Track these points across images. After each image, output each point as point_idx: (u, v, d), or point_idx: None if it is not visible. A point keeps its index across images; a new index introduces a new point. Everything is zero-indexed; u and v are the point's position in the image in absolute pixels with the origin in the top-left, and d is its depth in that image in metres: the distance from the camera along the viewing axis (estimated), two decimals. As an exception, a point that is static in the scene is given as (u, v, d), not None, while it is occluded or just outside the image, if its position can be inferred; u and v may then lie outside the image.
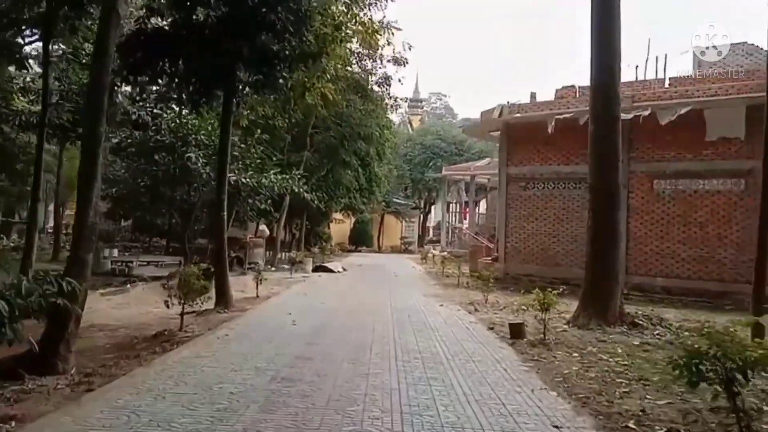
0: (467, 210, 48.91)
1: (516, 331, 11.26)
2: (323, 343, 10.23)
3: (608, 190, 13.35)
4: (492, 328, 12.42)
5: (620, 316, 13.12)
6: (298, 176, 22.39)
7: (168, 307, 11.67)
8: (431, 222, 66.43)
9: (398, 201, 54.94)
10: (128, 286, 18.52)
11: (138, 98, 22.58)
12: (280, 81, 12.94)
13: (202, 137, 20.58)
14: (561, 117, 21.42)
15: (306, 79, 13.85)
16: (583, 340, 11.49)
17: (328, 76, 16.99)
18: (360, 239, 52.44)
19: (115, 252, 26.51)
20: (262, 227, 26.92)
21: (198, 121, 20.73)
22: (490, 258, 25.89)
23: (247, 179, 20.02)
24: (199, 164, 19.99)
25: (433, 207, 63.46)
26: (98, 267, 23.33)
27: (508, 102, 23.93)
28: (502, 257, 24.11)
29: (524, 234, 23.54)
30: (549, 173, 23.03)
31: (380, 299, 17.60)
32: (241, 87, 14.64)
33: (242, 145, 21.60)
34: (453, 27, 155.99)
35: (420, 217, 61.12)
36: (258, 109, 15.79)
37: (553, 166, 22.95)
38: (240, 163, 20.98)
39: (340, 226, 49.51)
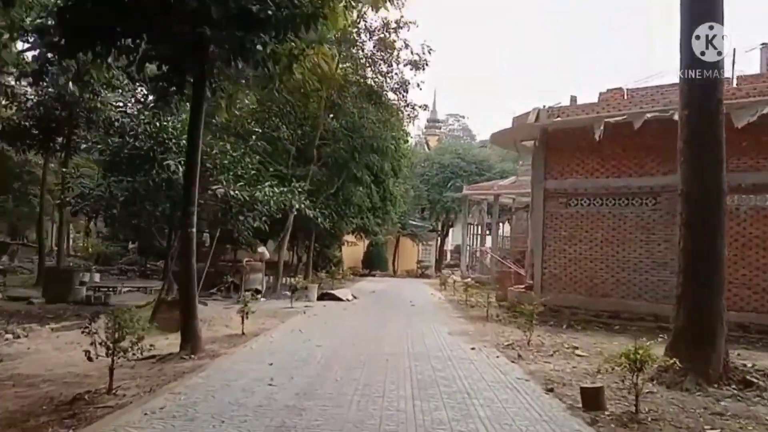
0: (488, 232, 45.43)
1: (593, 400, 7.71)
2: (306, 420, 6.76)
3: (709, 198, 9.83)
4: (552, 389, 8.87)
5: (725, 370, 9.53)
6: (299, 190, 19.02)
7: (90, 360, 8.25)
8: (449, 245, 62.98)
9: (414, 223, 51.50)
10: (87, 320, 15.12)
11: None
12: (258, 48, 9.60)
13: (185, 143, 17.31)
14: (612, 120, 18.03)
15: (294, 45, 10.45)
16: (686, 409, 7.94)
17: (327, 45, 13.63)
18: (374, 263, 48.96)
19: (97, 277, 23.30)
20: (261, 249, 23.65)
21: (182, 125, 17.51)
22: (522, 286, 22.31)
23: (237, 192, 16.68)
24: (180, 174, 16.69)
25: (451, 229, 60.02)
26: (70, 294, 20.14)
27: (544, 105, 20.54)
28: (537, 285, 20.54)
29: (565, 258, 20.03)
30: (595, 187, 19.59)
31: (394, 339, 14.10)
32: (216, 67, 11.38)
33: (233, 154, 18.31)
34: (469, 47, 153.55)
35: (437, 240, 57.61)
36: (242, 97, 12.38)
37: (601, 179, 19.51)
38: (230, 173, 17.68)
39: (352, 249, 46.07)
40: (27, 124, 22.05)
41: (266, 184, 17.84)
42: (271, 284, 25.33)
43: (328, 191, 28.96)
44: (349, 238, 42.22)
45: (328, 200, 29.39)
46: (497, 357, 12.01)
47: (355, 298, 25.05)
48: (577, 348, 13.72)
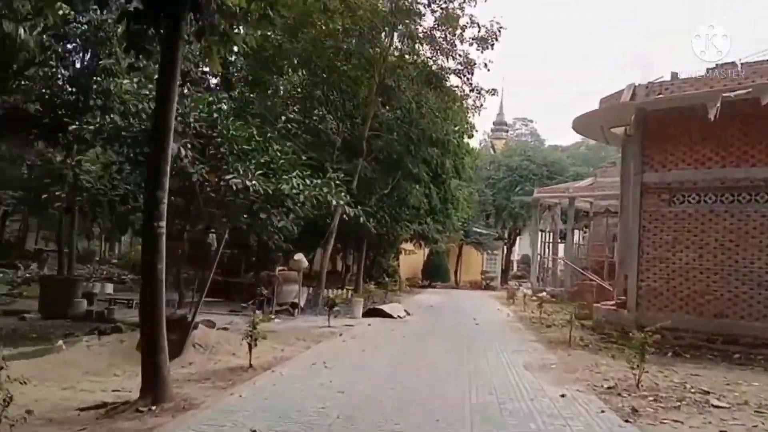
0: (560, 240, 41.08)
1: None
2: None
3: None
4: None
5: None
6: (337, 182, 15.48)
7: None
8: (516, 255, 58.50)
9: (479, 230, 47.31)
10: (60, 342, 11.94)
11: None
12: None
13: (195, 121, 14.06)
14: (732, 95, 14.09)
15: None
16: None
17: None
18: (434, 274, 44.98)
19: (110, 288, 20.37)
20: (299, 256, 20.28)
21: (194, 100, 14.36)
22: (611, 303, 18.19)
23: (255, 182, 13.29)
24: (187, 161, 13.43)
25: (518, 238, 55.61)
26: (71, 308, 17.19)
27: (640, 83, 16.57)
28: (632, 302, 16.51)
29: (668, 269, 16.05)
30: (707, 180, 15.64)
31: (451, 378, 10.36)
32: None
33: (258, 138, 14.99)
34: (538, 47, 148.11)
35: (504, 248, 53.23)
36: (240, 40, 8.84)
37: (715, 169, 15.53)
38: (251, 161, 14.36)
39: (411, 258, 42.24)
40: (35, 108, 19.07)
41: (293, 174, 14.38)
42: (311, 296, 21.89)
43: (380, 191, 25.41)
44: (407, 246, 38.58)
45: (381, 202, 25.86)
46: (602, 412, 8.16)
47: (408, 314, 21.35)
48: (707, 393, 9.84)
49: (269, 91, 23.68)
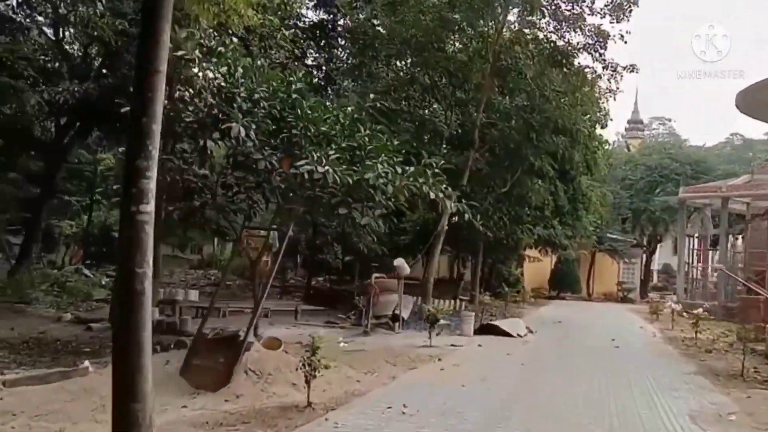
0: (710, 248, 35.89)
1: None
2: None
3: None
4: None
5: None
6: (435, 170, 12.47)
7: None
8: (655, 264, 52.71)
9: (614, 236, 42.50)
10: (87, 363, 9.71)
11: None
12: None
13: (265, 99, 11.58)
14: None
15: None
16: None
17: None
18: (563, 284, 40.62)
19: (194, 294, 18.48)
20: (398, 262, 17.45)
21: (259, 72, 11.92)
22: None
23: (331, 169, 10.60)
24: (252, 145, 10.97)
25: (659, 245, 50.01)
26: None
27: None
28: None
29: None
30: None
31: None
32: None
33: (342, 121, 12.36)
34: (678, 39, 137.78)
35: (642, 257, 47.82)
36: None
37: None
38: (330, 147, 11.75)
39: (536, 266, 38.26)
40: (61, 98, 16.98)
41: (379, 159, 11.59)
42: (418, 309, 18.99)
43: (497, 189, 22.14)
44: (532, 252, 34.81)
45: (499, 201, 22.60)
46: None
47: (529, 331, 17.96)
48: None
49: (370, 82, 21.14)
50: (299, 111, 11.90)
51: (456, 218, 16.86)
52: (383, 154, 11.97)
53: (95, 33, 14.65)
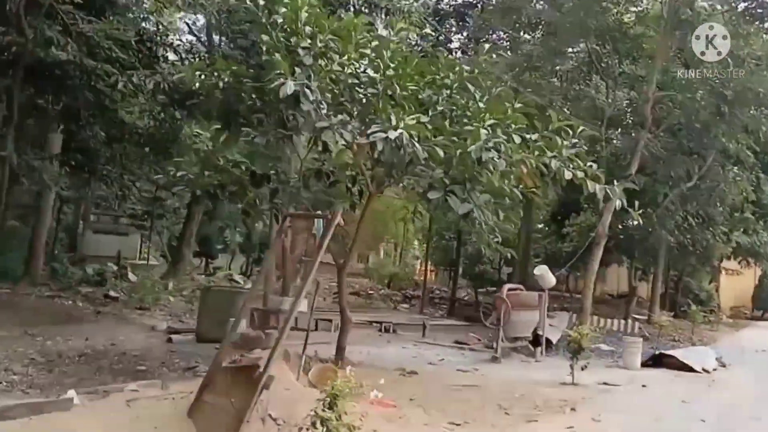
0: None
1: None
2: None
3: None
4: None
5: None
6: (569, 141, 8.86)
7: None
8: None
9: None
10: (72, 393, 7.28)
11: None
12: None
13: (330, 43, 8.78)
14: None
15: None
16: None
17: None
18: (769, 302, 33.88)
19: (304, 305, 16.06)
20: (540, 270, 13.72)
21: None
22: None
23: (407, 134, 7.60)
24: (313, 107, 8.21)
25: None
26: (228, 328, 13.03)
27: None
28: None
29: None
30: None
31: None
32: None
33: (451, 83, 9.38)
34: None
35: None
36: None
37: None
38: (419, 108, 8.86)
39: (735, 280, 32.00)
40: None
41: (487, 122, 8.42)
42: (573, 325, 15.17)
43: (680, 183, 17.61)
44: (730, 264, 28.94)
45: (683, 199, 18.07)
46: None
47: (721, 364, 13.49)
48: None
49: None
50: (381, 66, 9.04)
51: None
52: (493, 119, 8.71)
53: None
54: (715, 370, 13.07)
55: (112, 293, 18.23)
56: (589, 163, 9.15)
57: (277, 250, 7.90)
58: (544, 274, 13.74)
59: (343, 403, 5.18)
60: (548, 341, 14.15)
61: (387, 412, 6.94)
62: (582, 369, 10.46)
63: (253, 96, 9.53)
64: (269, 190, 10.21)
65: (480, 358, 13.34)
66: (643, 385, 10.77)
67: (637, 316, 20.55)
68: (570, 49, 17.37)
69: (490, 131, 8.23)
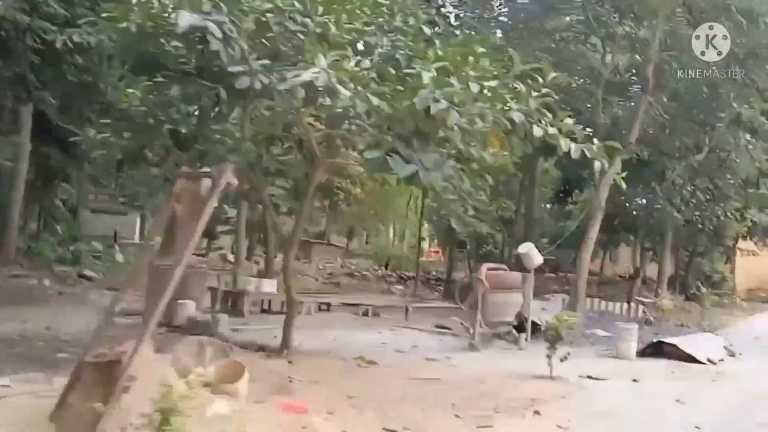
0: None
1: None
2: None
3: None
4: None
5: None
6: (542, 82, 7.39)
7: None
8: None
9: None
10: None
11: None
12: None
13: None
14: None
15: None
16: None
17: None
18: (790, 284, 32.11)
19: (269, 286, 15.12)
20: (524, 248, 12.22)
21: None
22: None
23: (331, 77, 6.16)
24: (236, 54, 6.83)
25: None
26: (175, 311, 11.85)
27: None
28: None
29: None
30: None
31: None
32: None
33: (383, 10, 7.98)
34: None
35: None
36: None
37: None
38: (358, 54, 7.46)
39: (752, 261, 30.35)
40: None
41: (434, 65, 7.02)
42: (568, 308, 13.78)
43: (688, 154, 16.06)
44: (746, 244, 27.30)
45: (691, 171, 16.54)
46: None
47: (730, 354, 12.02)
48: None
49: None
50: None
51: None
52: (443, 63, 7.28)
53: None
54: (722, 360, 11.58)
55: (86, 273, 17.45)
56: (564, 119, 7.71)
57: (166, 216, 6.50)
58: (530, 251, 12.26)
59: (179, 421, 3.83)
60: (538, 327, 12.75)
61: (288, 420, 5.56)
62: (561, 360, 8.99)
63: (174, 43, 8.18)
64: (198, 152, 8.86)
65: (458, 345, 12.04)
66: (634, 380, 9.28)
67: (643, 299, 19.05)
68: (564, 6, 15.71)
69: (437, 75, 6.79)
